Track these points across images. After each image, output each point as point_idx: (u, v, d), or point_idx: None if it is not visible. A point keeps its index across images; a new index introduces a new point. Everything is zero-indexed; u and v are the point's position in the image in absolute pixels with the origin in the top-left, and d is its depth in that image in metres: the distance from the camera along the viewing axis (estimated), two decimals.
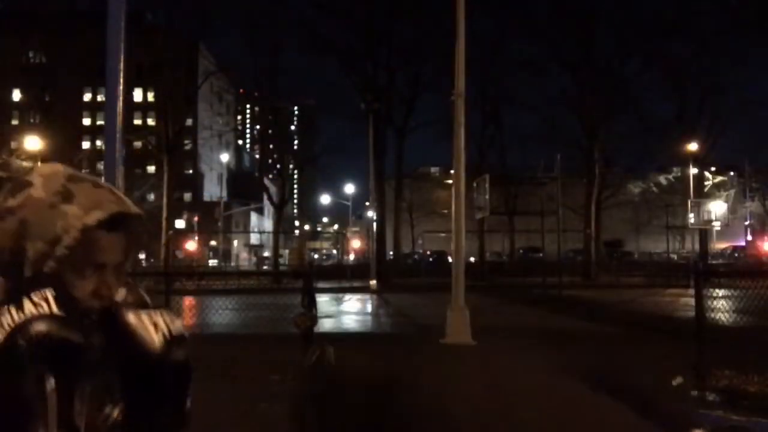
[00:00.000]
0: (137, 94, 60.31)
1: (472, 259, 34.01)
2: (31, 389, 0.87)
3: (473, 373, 7.61)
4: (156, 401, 1.03)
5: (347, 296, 22.11)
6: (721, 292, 10.61)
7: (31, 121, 42.51)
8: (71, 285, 0.99)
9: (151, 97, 57.72)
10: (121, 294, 1.08)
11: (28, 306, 0.88)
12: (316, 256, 57.28)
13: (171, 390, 1.05)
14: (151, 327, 1.03)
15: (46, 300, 0.89)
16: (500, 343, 9.73)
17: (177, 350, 1.03)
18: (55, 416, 0.94)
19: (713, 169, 44.45)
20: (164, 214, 28.32)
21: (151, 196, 43.25)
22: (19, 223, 0.99)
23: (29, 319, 0.87)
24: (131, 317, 1.03)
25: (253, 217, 74.62)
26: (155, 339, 1.02)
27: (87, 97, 65.17)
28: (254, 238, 70.27)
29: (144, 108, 57.73)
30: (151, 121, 51.48)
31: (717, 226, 33.69)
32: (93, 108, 64.29)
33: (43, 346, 0.86)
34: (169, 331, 1.03)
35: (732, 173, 53.86)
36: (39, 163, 1.12)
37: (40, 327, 0.87)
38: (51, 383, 0.91)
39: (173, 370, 1.03)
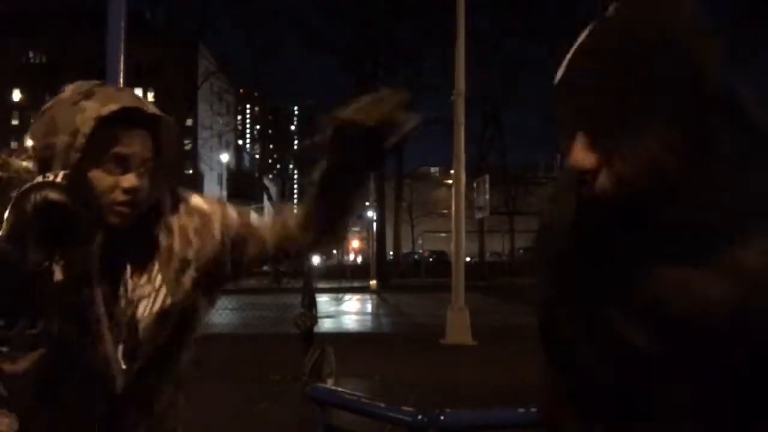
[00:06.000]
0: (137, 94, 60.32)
1: (471, 259, 33.98)
2: (36, 254, 0.96)
3: (474, 374, 7.60)
4: None
5: (347, 296, 22.08)
6: None
7: (31, 121, 42.35)
8: (95, 177, 1.08)
9: (151, 97, 57.70)
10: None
11: (38, 179, 0.97)
12: (317, 256, 57.15)
13: None
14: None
15: (56, 175, 0.97)
16: (501, 344, 9.71)
17: None
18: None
19: None
20: None
21: None
22: (49, 119, 1.10)
23: (34, 185, 0.96)
24: None
25: None
26: None
27: None
28: None
29: None
30: None
31: None
32: None
33: (41, 208, 0.94)
34: None
35: None
36: None
37: (41, 190, 0.95)
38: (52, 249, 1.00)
39: None
